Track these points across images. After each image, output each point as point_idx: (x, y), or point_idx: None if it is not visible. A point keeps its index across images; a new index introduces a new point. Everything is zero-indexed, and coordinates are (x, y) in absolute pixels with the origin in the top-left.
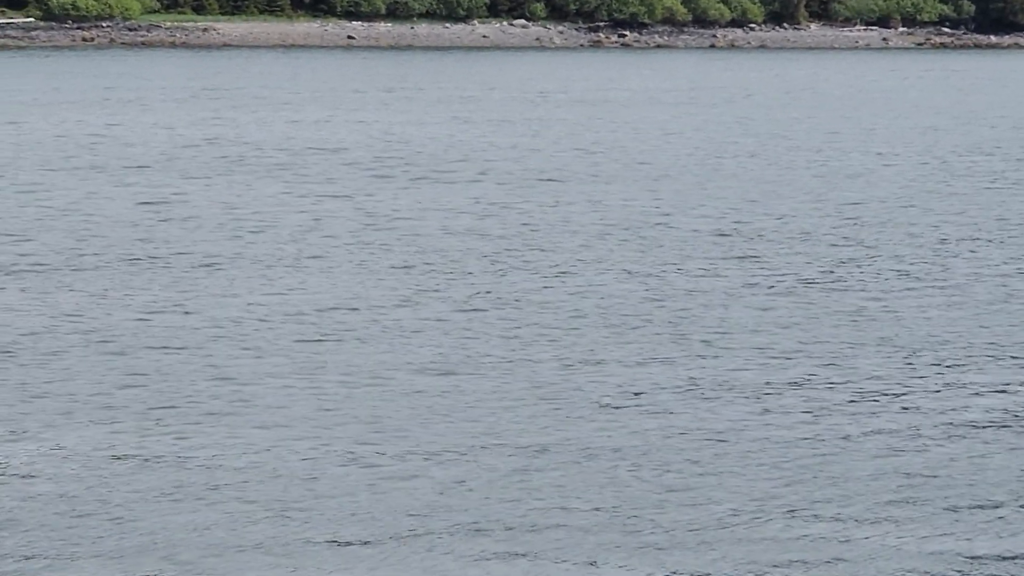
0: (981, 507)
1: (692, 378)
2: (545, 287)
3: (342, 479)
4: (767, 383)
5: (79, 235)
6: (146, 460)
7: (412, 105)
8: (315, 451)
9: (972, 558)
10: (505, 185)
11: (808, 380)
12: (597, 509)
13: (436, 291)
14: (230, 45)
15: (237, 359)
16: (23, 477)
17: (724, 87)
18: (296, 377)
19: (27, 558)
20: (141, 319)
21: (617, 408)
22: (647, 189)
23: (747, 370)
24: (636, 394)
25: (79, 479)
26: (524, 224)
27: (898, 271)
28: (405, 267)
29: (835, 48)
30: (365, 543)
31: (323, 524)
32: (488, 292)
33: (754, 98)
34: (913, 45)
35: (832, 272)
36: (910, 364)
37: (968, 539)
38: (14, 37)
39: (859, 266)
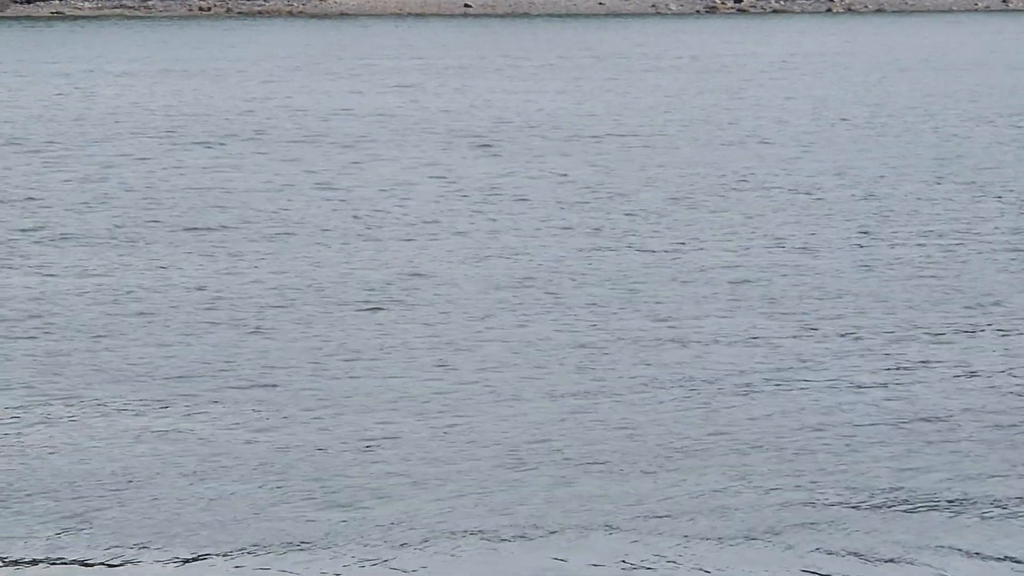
0: None
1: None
2: (617, 255)
3: (369, 455)
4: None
5: (146, 206)
6: (181, 433)
7: (514, 73)
8: (360, 428)
9: None
10: (588, 152)
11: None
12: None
13: (502, 258)
14: (347, 14)
15: (287, 332)
16: (42, 447)
17: (828, 52)
18: (349, 351)
19: (42, 529)
20: (192, 289)
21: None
22: (729, 154)
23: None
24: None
25: (102, 450)
26: (598, 191)
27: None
28: (480, 233)
29: (953, 11)
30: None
31: (361, 507)
32: (558, 258)
33: (856, 64)
34: None
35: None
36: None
37: None
38: (130, 7)
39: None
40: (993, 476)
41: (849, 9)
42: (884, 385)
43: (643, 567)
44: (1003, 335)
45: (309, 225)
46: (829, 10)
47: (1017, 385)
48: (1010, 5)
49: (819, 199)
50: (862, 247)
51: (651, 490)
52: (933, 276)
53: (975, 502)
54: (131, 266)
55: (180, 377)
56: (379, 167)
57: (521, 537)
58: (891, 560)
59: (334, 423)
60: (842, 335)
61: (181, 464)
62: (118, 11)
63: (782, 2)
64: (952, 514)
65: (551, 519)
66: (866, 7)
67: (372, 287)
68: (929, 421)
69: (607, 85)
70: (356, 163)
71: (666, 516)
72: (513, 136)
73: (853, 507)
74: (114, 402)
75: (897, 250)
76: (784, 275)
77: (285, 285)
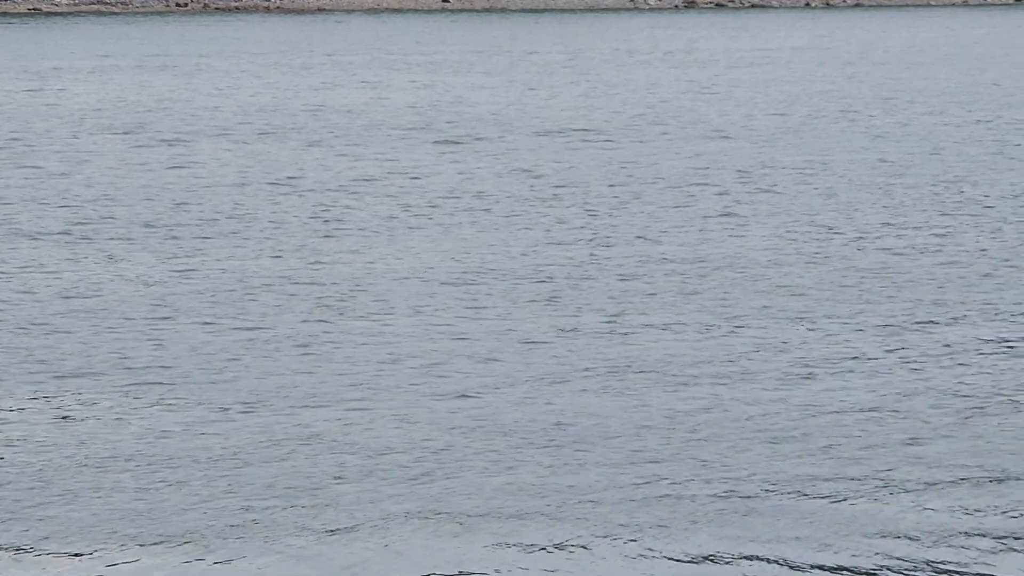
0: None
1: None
2: (572, 249)
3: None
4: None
5: (105, 203)
6: (130, 427)
7: (487, 69)
8: (304, 421)
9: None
10: (555, 148)
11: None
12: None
13: (461, 253)
14: (324, 10)
15: (236, 327)
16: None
17: (802, 48)
18: (297, 345)
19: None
20: (141, 285)
21: (646, 375)
22: (694, 149)
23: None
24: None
25: (32, 445)
26: (563, 186)
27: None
28: (439, 228)
29: (931, 5)
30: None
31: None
32: (514, 255)
33: (829, 59)
34: (1013, 0)
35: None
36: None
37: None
38: (107, 3)
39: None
40: (912, 467)
41: (827, 4)
42: (819, 379)
43: (574, 556)
44: (941, 331)
45: (268, 222)
46: (807, 4)
47: (949, 380)
48: (989, 0)
49: (779, 194)
50: (817, 240)
51: (583, 480)
52: (885, 271)
53: (894, 493)
54: (82, 263)
55: (124, 372)
56: (343, 163)
57: (456, 526)
58: (811, 549)
59: (276, 417)
60: (784, 329)
61: (118, 457)
62: (95, 7)
63: None
64: (873, 504)
65: (488, 507)
66: (844, 2)
67: (326, 282)
68: (855, 413)
69: (578, 80)
70: (320, 160)
71: (598, 505)
72: (478, 132)
73: (783, 496)
74: (54, 398)
75: (855, 244)
76: (743, 270)
77: (239, 281)
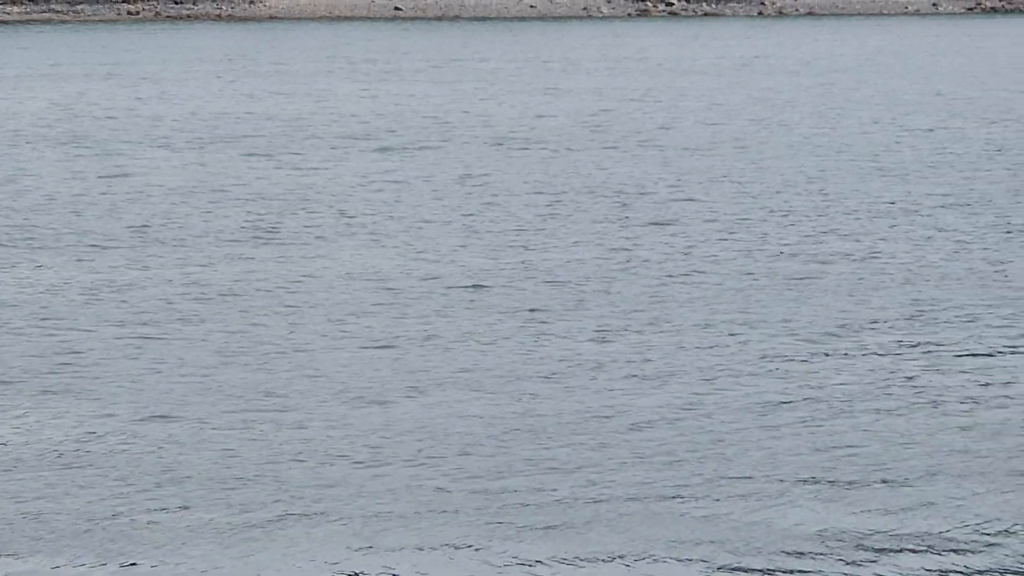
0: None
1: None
2: (512, 258)
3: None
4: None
5: (35, 211)
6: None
7: (435, 76)
8: (218, 426)
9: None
10: (488, 155)
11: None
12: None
13: (387, 260)
14: (276, 17)
15: (160, 336)
16: None
17: (748, 56)
18: (218, 353)
19: None
20: (59, 294)
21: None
22: (633, 158)
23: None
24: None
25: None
26: (495, 194)
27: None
28: (368, 236)
29: (884, 14)
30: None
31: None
32: (449, 262)
33: (773, 68)
34: (963, 10)
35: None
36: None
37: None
38: (58, 11)
39: (820, 236)
40: (817, 471)
41: (780, 12)
42: (731, 384)
43: (469, 561)
44: (860, 338)
45: (200, 231)
46: (760, 13)
47: (862, 385)
48: (940, 9)
49: (713, 202)
50: (747, 249)
51: (492, 485)
52: (811, 278)
53: (797, 498)
54: (8, 272)
55: (37, 380)
56: (282, 173)
57: (358, 533)
58: (711, 553)
59: (186, 425)
60: (704, 335)
61: (23, 464)
62: (46, 15)
63: (713, 5)
64: (775, 509)
65: (389, 511)
66: (797, 11)
67: (251, 292)
68: (766, 417)
69: (525, 89)
70: (259, 169)
71: (501, 510)
72: (420, 140)
73: (682, 501)
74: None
75: (785, 252)
76: (670, 277)
77: (163, 290)
